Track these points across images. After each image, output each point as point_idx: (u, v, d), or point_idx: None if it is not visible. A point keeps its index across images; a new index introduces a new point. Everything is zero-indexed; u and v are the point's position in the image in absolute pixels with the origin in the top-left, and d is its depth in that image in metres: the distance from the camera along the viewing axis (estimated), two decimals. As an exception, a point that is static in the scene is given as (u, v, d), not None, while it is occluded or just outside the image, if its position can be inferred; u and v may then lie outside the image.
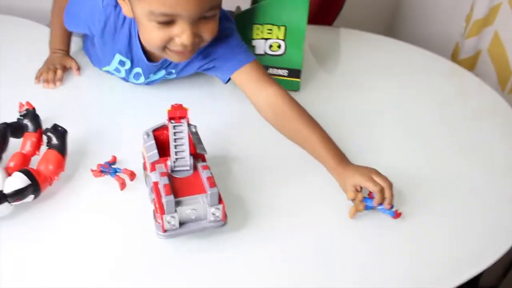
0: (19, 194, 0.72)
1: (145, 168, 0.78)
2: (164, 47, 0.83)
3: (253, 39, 0.99)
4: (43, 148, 0.80)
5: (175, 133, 0.71)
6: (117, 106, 1.00)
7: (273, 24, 0.97)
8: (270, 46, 1.00)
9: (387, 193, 0.76)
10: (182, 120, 0.72)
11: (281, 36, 0.98)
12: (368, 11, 1.68)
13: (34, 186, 0.73)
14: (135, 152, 0.83)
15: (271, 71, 1.03)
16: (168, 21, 0.78)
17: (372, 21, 1.69)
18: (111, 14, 0.88)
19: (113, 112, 0.98)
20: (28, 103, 0.85)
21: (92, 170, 0.81)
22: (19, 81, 1.05)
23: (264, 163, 0.87)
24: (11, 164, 0.76)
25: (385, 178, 0.77)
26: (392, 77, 1.12)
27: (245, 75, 0.90)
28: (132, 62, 0.96)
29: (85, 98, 1.04)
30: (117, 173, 0.81)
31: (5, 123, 0.82)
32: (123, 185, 0.80)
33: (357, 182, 0.77)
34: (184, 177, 0.71)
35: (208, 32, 0.82)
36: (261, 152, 0.90)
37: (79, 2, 0.94)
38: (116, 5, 0.88)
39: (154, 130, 0.76)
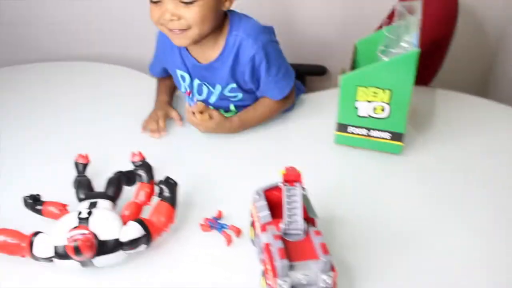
0: (133, 244, 0.75)
1: (253, 226, 0.79)
2: (162, 25, 0.98)
3: (357, 100, 1.00)
4: (153, 197, 0.84)
5: (288, 196, 0.72)
6: (221, 159, 1.03)
7: (378, 87, 0.97)
8: (374, 109, 1.00)
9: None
10: (295, 184, 0.72)
11: (386, 99, 0.98)
12: (462, 72, 1.65)
13: (147, 237, 0.76)
14: (240, 207, 0.85)
15: (372, 133, 1.03)
16: (157, 0, 0.95)
17: (466, 81, 1.66)
18: (161, 34, 1.06)
19: (217, 165, 1.02)
20: (140, 153, 0.89)
21: (201, 225, 0.83)
22: (129, 129, 1.11)
23: (369, 226, 0.86)
24: (126, 213, 0.80)
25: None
26: (488, 140, 1.09)
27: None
28: (189, 74, 1.09)
29: (190, 148, 1.08)
30: (224, 229, 0.82)
31: (120, 172, 0.86)
32: (229, 241, 0.81)
33: None
34: (296, 240, 0.71)
35: (190, 15, 0.94)
36: (367, 213, 0.89)
37: (156, 47, 1.15)
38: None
39: (265, 190, 0.77)
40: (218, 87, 1.09)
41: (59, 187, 0.89)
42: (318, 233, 0.70)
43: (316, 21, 1.65)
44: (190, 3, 0.94)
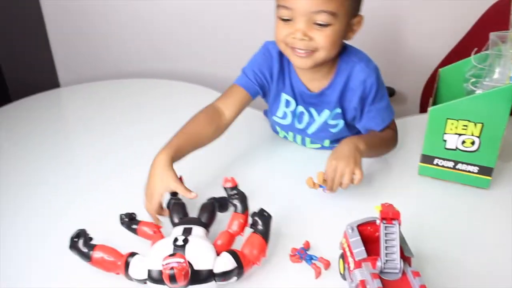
0: (226, 275, 0.76)
1: (345, 261, 0.78)
2: (286, 45, 0.96)
3: (446, 133, 0.98)
4: (246, 228, 0.84)
5: (386, 234, 0.71)
6: (306, 188, 1.02)
7: (469, 121, 0.95)
8: (463, 142, 0.98)
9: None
10: (394, 221, 0.71)
11: (477, 133, 0.96)
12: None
13: (239, 269, 0.77)
14: (326, 238, 0.85)
15: (460, 166, 1.00)
16: (288, 18, 0.93)
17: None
18: (275, 54, 1.04)
19: (303, 194, 1.00)
20: (232, 179, 0.88)
21: (291, 256, 0.83)
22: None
23: (459, 265, 0.84)
24: (219, 242, 0.81)
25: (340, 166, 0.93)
26: None
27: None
28: (296, 100, 1.07)
29: (276, 175, 1.09)
30: (313, 261, 0.82)
31: (214, 198, 0.88)
32: (318, 274, 0.81)
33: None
34: (392, 280, 0.70)
35: (321, 38, 0.92)
36: (456, 250, 0.87)
37: (252, 60, 1.08)
38: (275, 44, 1.01)
39: (359, 225, 0.77)
40: (326, 113, 1.06)
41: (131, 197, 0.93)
42: (417, 274, 0.69)
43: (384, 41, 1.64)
44: (325, 26, 0.92)
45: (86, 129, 1.29)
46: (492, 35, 1.01)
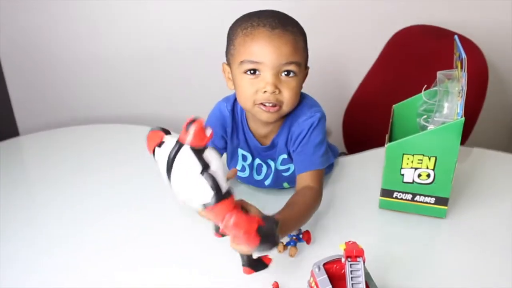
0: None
1: (313, 300, 0.80)
2: (254, 102, 0.96)
3: (403, 167, 1.02)
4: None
5: (351, 271, 0.74)
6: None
7: (423, 155, 1.00)
8: (419, 175, 1.02)
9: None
10: (358, 259, 0.74)
11: (431, 166, 1.00)
12: (493, 130, 1.68)
13: (217, 194, 0.71)
14: (294, 277, 0.88)
15: (417, 198, 1.05)
16: (255, 71, 0.94)
17: (500, 138, 1.68)
18: (227, 113, 1.06)
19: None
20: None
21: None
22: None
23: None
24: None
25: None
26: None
27: (309, 175, 1.02)
28: (252, 154, 1.08)
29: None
30: (283, 302, 0.83)
31: None
32: (289, 314, 0.82)
33: None
34: (360, 316, 0.72)
35: (288, 89, 0.95)
36: (420, 282, 0.90)
37: (206, 123, 1.06)
38: (227, 103, 1.06)
39: (325, 264, 0.79)
40: (280, 158, 1.08)
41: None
42: (383, 309, 0.71)
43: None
44: (292, 76, 0.95)
45: (46, 178, 1.27)
46: (439, 74, 1.07)
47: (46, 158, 1.36)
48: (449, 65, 1.10)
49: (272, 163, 1.10)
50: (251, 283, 0.88)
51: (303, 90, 1.04)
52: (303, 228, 0.99)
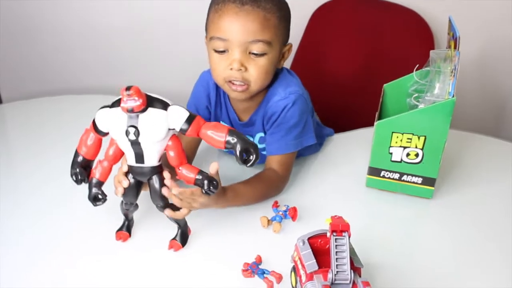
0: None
1: (297, 274, 0.79)
2: (224, 79, 0.96)
3: (391, 146, 1.01)
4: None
5: (336, 246, 0.73)
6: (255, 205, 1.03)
7: (413, 134, 0.99)
8: (408, 155, 1.01)
9: None
10: (343, 234, 0.73)
11: (420, 146, 1.00)
12: (473, 112, 1.67)
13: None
14: (277, 251, 0.87)
15: (405, 177, 1.04)
16: (223, 50, 0.93)
17: (478, 122, 1.68)
18: (212, 84, 1.05)
19: (252, 208, 1.01)
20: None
21: (243, 271, 0.83)
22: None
23: (407, 272, 0.87)
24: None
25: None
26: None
27: (276, 159, 1.02)
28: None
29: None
30: (265, 275, 0.82)
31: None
32: (271, 288, 0.81)
33: None
34: (343, 290, 0.71)
35: (255, 67, 0.94)
36: (404, 258, 0.90)
37: (193, 93, 1.10)
38: (211, 78, 1.03)
39: (309, 238, 0.78)
40: (257, 136, 1.08)
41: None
42: (367, 284, 0.71)
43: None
44: (260, 55, 0.94)
45: (28, 148, 1.24)
46: (432, 53, 1.06)
47: (28, 128, 1.33)
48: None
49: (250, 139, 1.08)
50: (234, 258, 0.88)
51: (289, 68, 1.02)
52: (290, 204, 0.98)
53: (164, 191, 0.84)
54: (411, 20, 1.52)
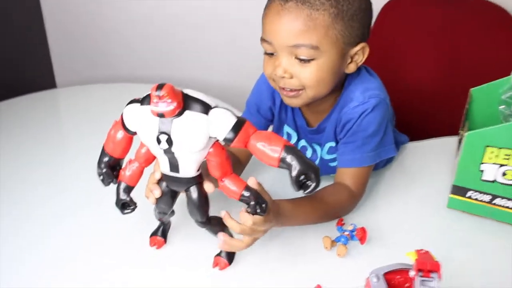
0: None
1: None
2: (274, 82, 0.85)
3: (483, 163, 0.85)
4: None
5: (422, 288, 0.58)
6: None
7: (513, 150, 0.83)
8: (504, 174, 0.85)
9: None
10: (432, 275, 0.59)
11: (521, 164, 0.83)
12: None
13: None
14: (342, 280, 0.76)
15: (497, 201, 0.88)
16: (271, 52, 0.82)
17: None
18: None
19: (313, 228, 0.88)
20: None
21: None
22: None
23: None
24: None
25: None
26: None
27: (349, 173, 0.88)
28: (298, 133, 0.96)
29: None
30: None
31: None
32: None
33: None
34: None
35: (305, 74, 0.81)
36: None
37: (254, 90, 0.98)
38: None
39: (385, 273, 0.64)
40: (327, 146, 0.94)
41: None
42: None
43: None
44: (307, 61, 0.80)
45: (81, 132, 1.21)
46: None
47: (80, 112, 1.32)
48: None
49: (318, 148, 0.96)
50: (289, 283, 0.76)
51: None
52: (358, 224, 0.84)
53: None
54: (496, 16, 1.34)
